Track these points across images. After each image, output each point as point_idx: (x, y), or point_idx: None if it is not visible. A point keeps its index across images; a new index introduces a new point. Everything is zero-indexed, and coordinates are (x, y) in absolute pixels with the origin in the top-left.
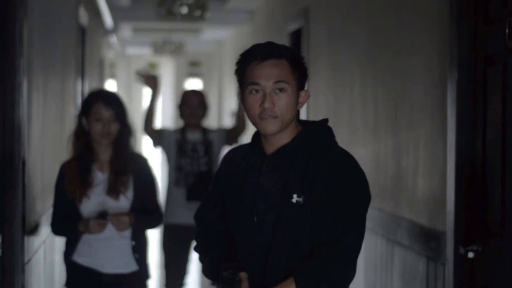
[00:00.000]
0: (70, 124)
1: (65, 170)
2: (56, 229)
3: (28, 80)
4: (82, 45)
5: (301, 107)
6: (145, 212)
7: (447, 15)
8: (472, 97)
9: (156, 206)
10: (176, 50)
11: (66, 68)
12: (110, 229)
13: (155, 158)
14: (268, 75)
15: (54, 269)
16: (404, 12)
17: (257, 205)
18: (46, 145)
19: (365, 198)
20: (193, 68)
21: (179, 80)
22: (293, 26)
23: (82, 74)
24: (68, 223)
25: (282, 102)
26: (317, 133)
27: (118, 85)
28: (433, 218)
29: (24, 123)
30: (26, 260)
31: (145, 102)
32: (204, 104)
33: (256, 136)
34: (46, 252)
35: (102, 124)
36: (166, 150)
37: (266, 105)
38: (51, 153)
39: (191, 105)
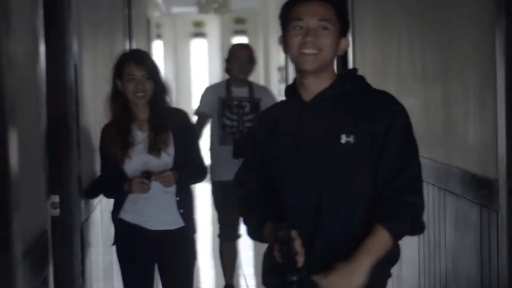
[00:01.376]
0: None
1: (105, 133)
2: (105, 192)
3: (78, 41)
4: (128, 6)
5: (341, 53)
6: (189, 166)
7: None
8: None
9: (199, 160)
10: (220, 7)
11: (114, 29)
12: (154, 186)
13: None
14: (313, 12)
15: (111, 228)
16: None
17: (302, 152)
18: (98, 106)
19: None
20: (238, 25)
21: (224, 38)
22: None
23: (129, 35)
24: (114, 185)
25: (324, 38)
26: (356, 78)
27: (165, 45)
28: (485, 166)
29: (76, 84)
30: (83, 219)
31: (192, 62)
32: (253, 59)
33: (292, 87)
34: (102, 211)
35: (136, 83)
36: (209, 110)
37: (309, 38)
38: (103, 113)
39: (240, 60)
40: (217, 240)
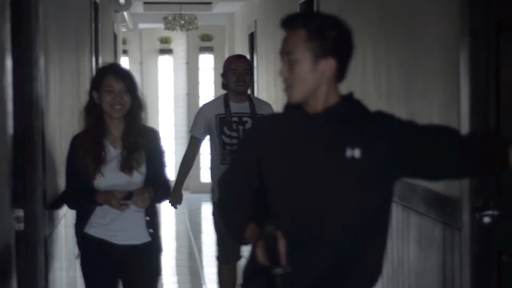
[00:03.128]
0: (85, 99)
1: (77, 144)
2: (72, 203)
3: (45, 56)
4: (95, 21)
5: (326, 75)
6: (158, 186)
7: None
8: (485, 64)
9: (165, 179)
10: (186, 24)
11: (81, 44)
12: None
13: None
14: (284, 44)
15: (75, 242)
16: None
17: (307, 162)
18: (63, 120)
19: None
20: (205, 42)
21: (190, 54)
22: None
23: (96, 50)
24: (84, 196)
25: (295, 72)
26: (357, 101)
27: (131, 61)
28: (449, 185)
29: (42, 99)
30: (48, 233)
31: (158, 78)
32: (251, 70)
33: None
34: (67, 225)
35: (114, 96)
36: (203, 132)
37: (282, 74)
38: (68, 128)
39: (237, 72)
40: (180, 256)
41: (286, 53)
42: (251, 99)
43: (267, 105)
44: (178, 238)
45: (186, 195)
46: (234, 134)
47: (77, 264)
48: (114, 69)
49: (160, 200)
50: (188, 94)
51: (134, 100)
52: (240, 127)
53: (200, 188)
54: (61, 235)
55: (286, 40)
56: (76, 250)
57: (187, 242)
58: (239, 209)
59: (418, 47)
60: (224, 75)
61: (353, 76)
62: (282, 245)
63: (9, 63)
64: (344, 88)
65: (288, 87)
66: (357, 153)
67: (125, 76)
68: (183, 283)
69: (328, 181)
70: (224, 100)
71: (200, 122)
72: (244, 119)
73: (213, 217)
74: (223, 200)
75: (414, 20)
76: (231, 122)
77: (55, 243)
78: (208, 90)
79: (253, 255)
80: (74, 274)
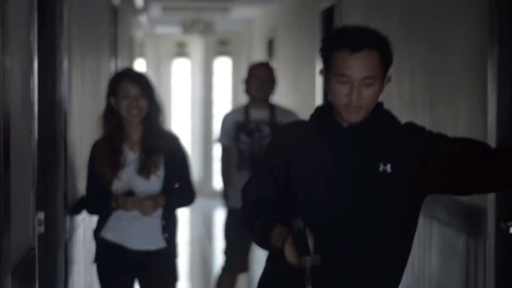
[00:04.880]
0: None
1: (96, 151)
2: (90, 208)
3: (68, 59)
4: (115, 25)
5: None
6: (177, 190)
7: None
8: None
9: (188, 184)
10: (205, 29)
11: (101, 48)
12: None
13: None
14: (359, 68)
15: (92, 246)
16: None
17: (337, 173)
18: (84, 124)
19: None
20: (222, 47)
21: (208, 59)
22: (325, 4)
23: (115, 54)
24: (101, 201)
25: (369, 95)
26: (386, 114)
27: (147, 65)
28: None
29: (65, 101)
30: (68, 237)
31: (173, 82)
32: (273, 79)
33: (324, 111)
34: (85, 230)
35: (130, 101)
36: (228, 135)
37: (354, 97)
38: (89, 131)
39: (259, 79)
40: (193, 261)
41: (366, 77)
42: (272, 107)
43: (290, 113)
44: (192, 243)
45: (200, 200)
46: (250, 141)
47: (94, 268)
48: (129, 74)
49: (179, 205)
50: (205, 98)
51: (151, 103)
52: (257, 134)
53: (213, 194)
54: (80, 240)
55: (362, 63)
56: (93, 254)
57: (200, 248)
58: (264, 213)
59: (443, 55)
60: (247, 81)
61: None
62: (311, 241)
63: (35, 65)
64: None
65: (358, 108)
66: (388, 168)
67: (141, 80)
68: None
69: (359, 195)
70: (245, 108)
71: (225, 131)
72: (262, 126)
73: (225, 225)
74: (248, 207)
75: (439, 27)
76: (249, 129)
77: (74, 247)
78: (225, 95)
79: (270, 265)
80: (91, 279)
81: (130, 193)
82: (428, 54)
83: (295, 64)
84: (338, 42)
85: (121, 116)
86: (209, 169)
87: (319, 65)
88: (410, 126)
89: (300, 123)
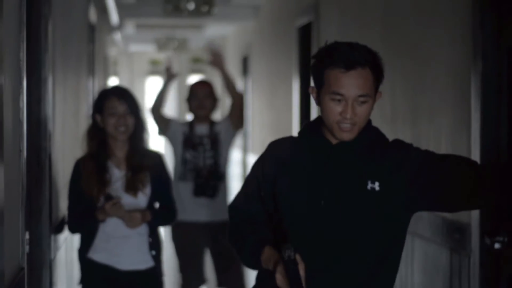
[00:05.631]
0: (83, 121)
1: (80, 168)
2: (75, 225)
3: (52, 76)
4: (92, 43)
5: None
6: (161, 208)
7: (469, 4)
8: (497, 89)
9: (171, 202)
10: (179, 46)
11: (80, 65)
12: (126, 227)
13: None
14: (353, 87)
15: (74, 268)
16: (423, 1)
17: (325, 190)
18: (66, 142)
19: None
20: (196, 64)
21: (181, 77)
22: (301, 21)
23: (93, 72)
24: (86, 217)
25: (363, 113)
26: (375, 128)
27: (121, 83)
28: None
29: (50, 119)
30: (52, 257)
31: (147, 100)
32: (213, 95)
33: (313, 127)
34: (67, 249)
35: (117, 118)
36: (172, 142)
37: (348, 115)
38: (70, 149)
39: (199, 97)
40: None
41: (360, 94)
42: (212, 122)
43: (224, 121)
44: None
45: None
46: (195, 153)
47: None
48: (117, 91)
49: (163, 222)
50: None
51: (138, 121)
52: (201, 148)
53: None
54: (63, 260)
55: (355, 81)
56: (79, 275)
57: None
58: (252, 232)
59: (425, 69)
60: (188, 100)
61: None
62: (302, 269)
63: (24, 83)
64: None
65: (351, 126)
66: (377, 186)
67: (128, 98)
68: None
69: (347, 211)
70: (191, 122)
71: (173, 122)
72: (205, 140)
73: (173, 241)
74: (236, 225)
75: (421, 41)
76: (193, 143)
77: (58, 267)
78: None
79: (261, 279)
80: None
81: (109, 196)
82: (409, 68)
83: (271, 81)
84: (330, 59)
85: (106, 133)
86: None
87: (296, 82)
88: (398, 143)
89: (288, 139)
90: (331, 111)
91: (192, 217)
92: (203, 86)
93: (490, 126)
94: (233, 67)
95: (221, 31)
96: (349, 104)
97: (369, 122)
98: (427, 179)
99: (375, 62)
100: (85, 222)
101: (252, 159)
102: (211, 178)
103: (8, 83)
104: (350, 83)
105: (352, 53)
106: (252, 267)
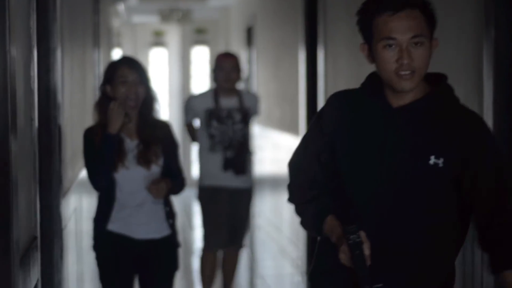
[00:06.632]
0: (90, 92)
1: (91, 136)
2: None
3: (60, 46)
4: (97, 14)
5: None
6: (174, 177)
7: None
8: (509, 56)
9: (180, 171)
10: (183, 17)
11: (85, 36)
12: (143, 196)
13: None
14: (405, 28)
15: (83, 238)
16: None
17: (385, 161)
18: (74, 112)
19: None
20: (199, 35)
21: (185, 48)
22: None
23: (98, 43)
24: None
25: (420, 56)
26: (449, 94)
27: (124, 54)
28: None
29: (59, 89)
30: (63, 226)
31: (150, 71)
32: (238, 68)
33: (374, 84)
34: (77, 220)
35: (128, 86)
36: (194, 116)
37: (405, 61)
38: (78, 119)
39: (225, 69)
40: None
41: (414, 35)
42: (240, 94)
43: (255, 97)
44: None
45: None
46: (223, 127)
47: (87, 258)
48: (128, 61)
49: (177, 191)
50: (183, 88)
51: (148, 91)
52: (229, 121)
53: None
54: (73, 230)
55: (407, 22)
56: (92, 242)
57: (182, 236)
58: (315, 198)
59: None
60: (214, 71)
61: (363, 68)
62: (367, 248)
63: (35, 52)
64: (354, 81)
65: (411, 73)
66: (441, 162)
67: (139, 67)
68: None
69: (406, 185)
70: (214, 94)
71: (191, 112)
72: (234, 113)
73: (200, 202)
74: (297, 186)
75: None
76: (220, 117)
77: (68, 237)
78: (202, 85)
79: (323, 251)
80: (82, 269)
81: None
82: None
83: (276, 52)
84: (377, 7)
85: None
86: (187, 158)
87: (302, 52)
88: (479, 124)
89: (349, 93)
90: (386, 61)
91: (219, 183)
92: (229, 58)
93: (503, 94)
94: (237, 38)
95: (225, 2)
96: (404, 48)
97: (439, 78)
98: (472, 175)
99: (424, 3)
100: (105, 166)
101: (256, 130)
102: (241, 152)
103: (19, 52)
104: (401, 25)
105: None
106: (313, 232)
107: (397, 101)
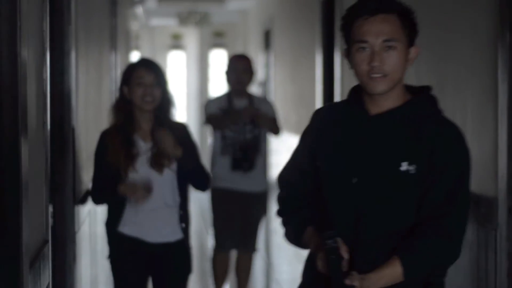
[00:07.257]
0: (106, 95)
1: (107, 140)
2: (98, 197)
3: (75, 48)
4: (114, 17)
5: (411, 64)
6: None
7: None
8: None
9: (203, 168)
10: (201, 20)
11: (102, 39)
12: (156, 199)
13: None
14: (377, 32)
15: (97, 241)
16: None
17: (358, 167)
18: (89, 114)
19: (470, 178)
20: (217, 39)
21: (203, 51)
22: None
23: (115, 46)
24: (111, 189)
25: (392, 60)
26: (427, 103)
27: (142, 56)
28: (483, 184)
29: (73, 92)
30: (76, 230)
31: (168, 74)
32: (251, 70)
33: (356, 94)
34: (91, 223)
35: (144, 88)
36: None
37: (376, 63)
38: (93, 122)
39: (237, 71)
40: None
41: (385, 39)
42: (250, 97)
43: (265, 101)
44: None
45: (196, 193)
46: (235, 127)
47: (99, 263)
48: (145, 62)
49: (199, 177)
50: (201, 91)
51: (164, 94)
52: (241, 122)
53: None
54: (86, 233)
55: (379, 26)
56: (107, 249)
57: (199, 241)
58: (297, 210)
59: (450, 41)
60: (227, 73)
61: None
62: (345, 252)
63: (48, 55)
64: None
65: (381, 76)
66: (413, 169)
67: (156, 69)
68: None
69: (378, 191)
70: (228, 96)
71: (209, 111)
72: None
73: (211, 203)
74: (284, 199)
75: (446, 11)
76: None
77: (81, 240)
78: (220, 87)
79: (311, 260)
80: (96, 273)
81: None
82: (434, 40)
83: (294, 55)
84: (355, 12)
85: (133, 105)
86: (204, 160)
87: (319, 56)
88: (457, 137)
89: (332, 106)
90: (359, 63)
91: (230, 185)
92: (242, 60)
93: None
94: (255, 41)
95: (243, 5)
96: (376, 51)
97: (423, 90)
98: (436, 181)
99: (403, 10)
100: (108, 194)
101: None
102: (250, 153)
103: (31, 55)
104: (374, 28)
105: (377, 2)
106: (295, 245)
107: (375, 109)
